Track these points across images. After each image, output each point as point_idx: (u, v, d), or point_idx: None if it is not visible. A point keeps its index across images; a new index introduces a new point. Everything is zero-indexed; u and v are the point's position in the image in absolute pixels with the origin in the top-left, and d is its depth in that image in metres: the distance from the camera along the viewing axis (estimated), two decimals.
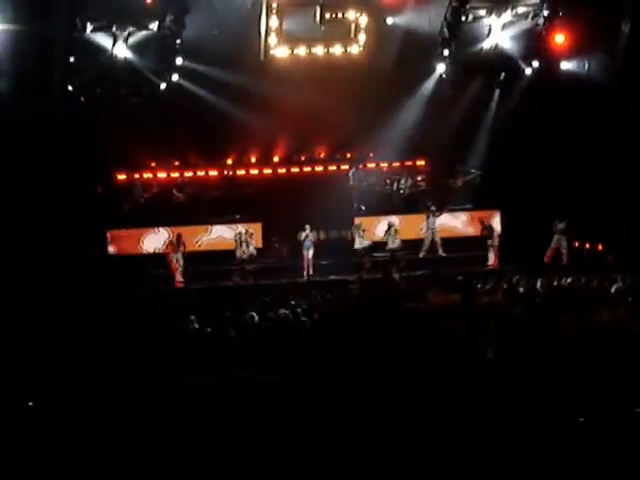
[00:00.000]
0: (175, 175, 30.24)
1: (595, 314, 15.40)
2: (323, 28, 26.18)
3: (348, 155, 31.09)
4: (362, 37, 26.79)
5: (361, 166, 31.00)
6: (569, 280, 19.70)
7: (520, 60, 28.22)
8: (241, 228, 27.34)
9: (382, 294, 19.70)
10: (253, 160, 30.68)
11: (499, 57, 27.75)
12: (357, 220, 28.25)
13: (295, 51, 26.68)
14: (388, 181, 31.18)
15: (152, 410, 9.80)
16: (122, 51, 24.81)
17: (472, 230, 29.96)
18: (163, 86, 26.21)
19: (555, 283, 19.44)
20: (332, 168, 31.07)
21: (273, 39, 26.24)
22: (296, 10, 25.98)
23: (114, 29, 24.53)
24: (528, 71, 28.53)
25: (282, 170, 30.73)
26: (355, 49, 27.00)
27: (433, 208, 28.56)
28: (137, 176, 29.77)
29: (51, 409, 10.44)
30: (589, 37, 26.81)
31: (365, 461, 8.48)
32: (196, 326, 16.67)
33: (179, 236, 26.68)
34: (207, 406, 9.71)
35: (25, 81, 23.36)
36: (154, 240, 28.27)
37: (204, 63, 26.28)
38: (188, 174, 30.30)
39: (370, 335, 13.35)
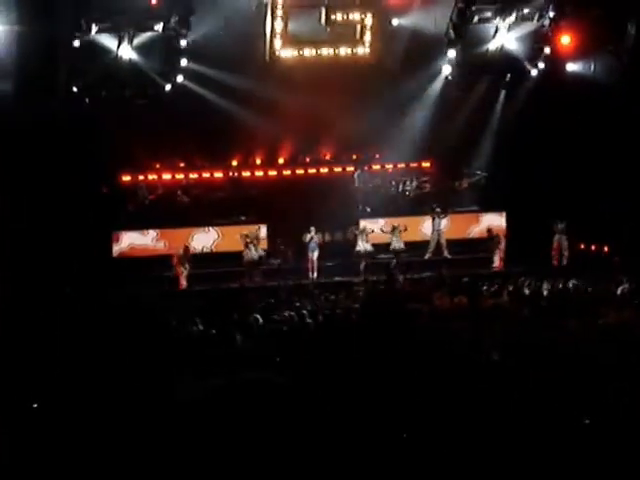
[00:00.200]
0: (180, 176, 30.17)
1: (601, 316, 15.39)
2: (328, 29, 26.13)
3: (353, 157, 31.02)
4: (367, 38, 26.72)
5: (366, 168, 30.90)
6: (575, 282, 19.65)
7: (526, 61, 28.16)
8: (246, 231, 27.17)
9: (387, 296, 19.68)
10: (258, 162, 30.62)
11: (505, 58, 27.70)
12: (362, 223, 28.11)
13: (300, 53, 26.61)
14: (393, 183, 31.08)
15: (155, 412, 9.78)
16: (127, 52, 24.78)
17: (465, 232, 29.87)
18: (168, 87, 26.18)
19: (561, 285, 19.40)
20: (337, 170, 31.01)
21: (278, 41, 26.19)
22: (301, 11, 25.96)
23: (119, 30, 24.52)
24: (534, 72, 28.45)
25: (287, 172, 30.67)
26: (360, 50, 26.92)
27: (438, 210, 28.50)
28: (142, 177, 29.68)
29: (54, 411, 10.43)
30: (595, 38, 26.77)
31: (371, 462, 8.47)
32: (200, 328, 16.67)
33: (186, 248, 26.62)
34: (210, 408, 9.69)
35: (30, 82, 23.38)
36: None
37: (209, 65, 26.23)
38: (193, 176, 30.23)
39: (375, 337, 13.33)
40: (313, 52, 26.77)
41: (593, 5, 26.30)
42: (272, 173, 30.61)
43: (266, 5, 25.52)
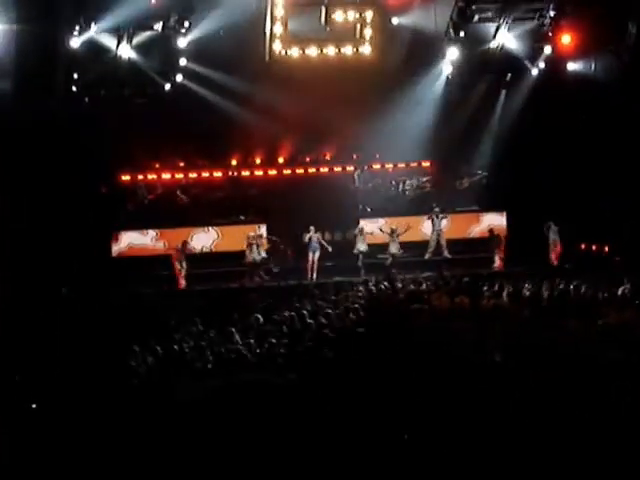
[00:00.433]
0: (179, 176, 30.18)
1: (601, 316, 15.35)
2: (328, 29, 26.15)
3: (354, 156, 31.00)
4: (367, 37, 26.78)
5: (366, 167, 30.90)
6: (575, 283, 19.60)
7: (526, 61, 28.24)
8: (252, 232, 27.10)
9: (387, 297, 19.65)
10: (258, 161, 30.64)
11: (505, 58, 27.75)
12: (361, 223, 28.05)
13: (300, 52, 26.64)
14: (393, 182, 31.09)
15: (155, 413, 9.76)
16: (126, 51, 24.84)
17: (465, 232, 29.84)
18: (167, 87, 26.19)
19: (562, 286, 19.35)
20: (337, 169, 31.01)
21: (278, 40, 26.22)
22: (301, 11, 25.98)
23: (118, 29, 24.51)
24: (534, 72, 28.51)
25: (287, 171, 30.67)
26: (360, 49, 26.96)
27: (437, 210, 28.49)
28: (141, 177, 29.70)
29: (53, 411, 10.42)
30: (595, 38, 26.76)
31: (371, 463, 8.44)
32: (200, 328, 16.66)
33: (184, 243, 26.57)
34: (210, 409, 9.67)
35: (29, 81, 23.35)
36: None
37: (209, 64, 26.28)
38: (192, 175, 30.24)
39: (375, 337, 13.30)
40: (313, 51, 26.83)
41: (593, 4, 26.24)
42: (272, 173, 30.62)
43: (266, 4, 25.51)
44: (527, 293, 19.21)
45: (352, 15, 26.30)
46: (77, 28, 24.07)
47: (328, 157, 31.11)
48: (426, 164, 31.58)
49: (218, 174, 30.47)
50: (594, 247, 28.07)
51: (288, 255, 28.12)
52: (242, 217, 28.90)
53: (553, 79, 28.13)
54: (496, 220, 29.44)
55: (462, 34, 26.76)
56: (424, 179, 31.22)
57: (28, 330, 16.47)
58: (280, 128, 28.38)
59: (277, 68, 26.70)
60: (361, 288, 22.43)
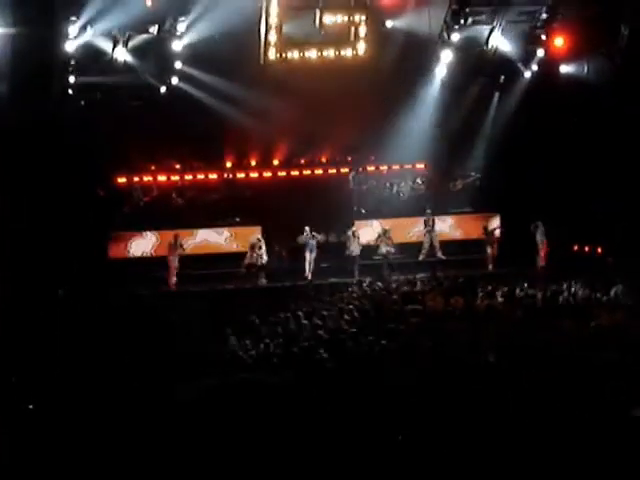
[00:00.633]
0: (175, 178, 30.22)
1: (594, 318, 15.46)
2: (323, 32, 26.17)
3: (348, 158, 31.11)
4: (362, 41, 26.73)
5: (361, 169, 31.01)
6: (568, 284, 19.72)
7: (519, 63, 28.35)
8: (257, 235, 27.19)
9: (381, 298, 19.74)
10: (253, 163, 30.68)
11: (499, 60, 27.86)
12: (356, 225, 28.11)
13: (295, 55, 26.63)
14: (388, 184, 31.19)
15: (152, 413, 9.84)
16: (122, 55, 24.83)
17: (459, 233, 29.90)
18: (163, 90, 26.27)
19: (555, 287, 19.47)
20: (332, 171, 31.06)
21: (273, 43, 26.20)
22: (296, 14, 25.94)
23: (114, 32, 24.58)
24: (527, 74, 28.63)
25: (282, 173, 30.72)
26: (355, 53, 26.93)
27: (429, 211, 28.63)
28: (137, 179, 29.73)
29: (51, 412, 10.47)
30: (588, 40, 26.82)
31: (366, 463, 8.52)
32: (198, 328, 16.72)
33: (176, 237, 26.63)
34: (206, 408, 9.76)
35: (25, 84, 23.37)
36: (142, 244, 28.17)
37: (204, 67, 26.29)
38: (188, 177, 30.27)
39: (370, 338, 13.40)
40: (308, 54, 26.80)
41: (586, 7, 26.33)
42: (267, 175, 30.67)
43: (261, 8, 25.55)
44: (520, 294, 19.32)
45: (346, 18, 26.33)
46: (73, 31, 24.09)
47: (323, 159, 31.20)
48: (420, 166, 31.65)
49: (213, 176, 30.51)
50: (587, 248, 28.19)
51: (283, 256, 28.22)
52: (237, 219, 28.95)
53: (546, 81, 28.23)
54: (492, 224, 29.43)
55: (456, 37, 26.83)
56: (418, 181, 31.32)
57: (25, 331, 16.50)
58: (275, 130, 28.42)
59: (272, 71, 26.68)
60: (355, 289, 22.56)
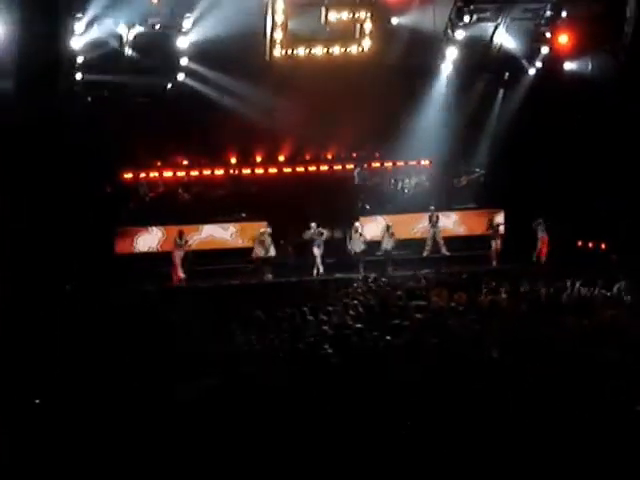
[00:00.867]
0: (181, 174, 30.32)
1: (597, 314, 15.49)
2: (328, 29, 26.25)
3: (353, 155, 31.21)
4: (367, 37, 26.81)
5: (366, 166, 31.10)
6: (572, 280, 19.74)
7: (524, 60, 28.44)
8: (264, 228, 27.28)
9: (386, 294, 19.77)
10: (259, 159, 30.77)
11: (503, 57, 27.96)
12: (357, 223, 28.12)
13: (300, 52, 26.71)
14: (393, 181, 31.28)
15: (155, 410, 9.88)
16: (128, 51, 24.92)
17: (463, 229, 29.99)
18: (169, 86, 26.36)
19: (558, 283, 19.50)
20: (337, 167, 31.17)
21: (278, 39, 26.27)
22: (301, 11, 26.02)
23: (120, 29, 24.67)
24: (532, 71, 28.71)
25: (287, 169, 30.81)
26: (360, 49, 27.01)
27: (432, 208, 28.72)
28: (143, 175, 29.82)
29: (56, 407, 10.52)
30: (592, 37, 26.87)
31: (369, 460, 8.58)
32: (203, 324, 16.76)
33: (181, 233, 26.71)
34: (211, 404, 9.81)
35: (31, 81, 23.44)
36: (149, 240, 28.30)
37: (210, 63, 26.36)
38: (194, 173, 30.37)
39: (375, 333, 13.46)
40: (313, 51, 26.87)
41: (590, 5, 26.37)
42: (272, 171, 30.76)
43: (267, 4, 25.62)
44: (524, 290, 19.35)
45: (352, 15, 26.40)
46: (79, 28, 24.18)
47: (328, 156, 31.29)
48: (425, 162, 31.75)
49: (219, 172, 30.59)
50: (590, 245, 28.22)
51: (288, 252, 28.30)
52: (243, 215, 29.02)
53: (550, 78, 28.30)
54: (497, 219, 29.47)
55: (460, 34, 26.92)
56: (423, 177, 31.40)
57: (32, 326, 16.56)
58: (280, 127, 28.50)
59: (277, 68, 26.76)
60: (360, 285, 22.60)
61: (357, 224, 27.75)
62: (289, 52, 26.66)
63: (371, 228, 28.43)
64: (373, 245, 27.83)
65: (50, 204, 24.16)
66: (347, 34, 26.84)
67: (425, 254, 28.42)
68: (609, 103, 26.39)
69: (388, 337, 13.00)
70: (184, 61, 26.14)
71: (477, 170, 31.07)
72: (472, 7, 26.23)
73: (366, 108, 27.35)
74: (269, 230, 26.96)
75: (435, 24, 26.72)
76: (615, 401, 9.54)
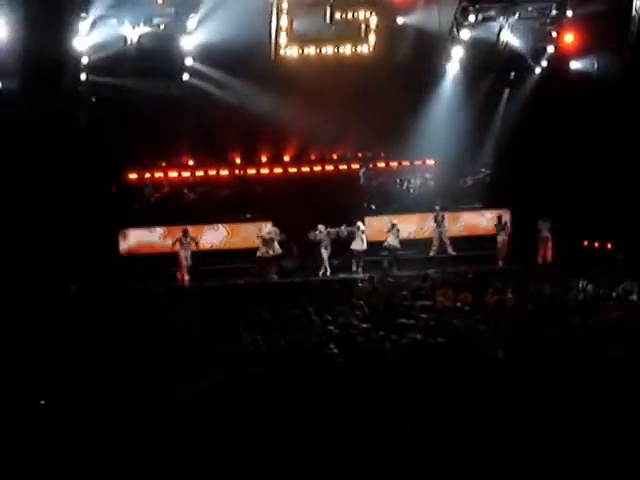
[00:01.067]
0: (186, 174, 30.34)
1: (603, 314, 15.47)
2: (333, 28, 26.26)
3: (359, 154, 31.20)
4: (372, 37, 26.86)
5: (371, 165, 31.09)
6: (578, 280, 19.72)
7: (529, 59, 28.40)
8: (270, 227, 27.25)
9: (392, 293, 19.75)
10: (264, 159, 30.77)
11: (509, 57, 27.92)
12: (359, 223, 28.01)
13: (305, 51, 26.76)
14: (398, 180, 31.27)
15: (157, 410, 9.87)
16: (133, 51, 24.93)
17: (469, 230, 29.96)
18: (174, 86, 26.36)
19: (563, 283, 19.48)
20: (343, 167, 31.16)
21: (283, 39, 26.31)
22: (306, 10, 26.05)
23: (125, 29, 24.67)
24: (537, 70, 28.68)
25: (293, 169, 30.81)
26: (365, 49, 27.05)
27: (437, 208, 28.69)
28: (148, 175, 29.85)
29: (59, 408, 10.51)
30: (598, 36, 26.84)
31: (374, 459, 8.56)
32: (208, 324, 16.76)
33: (185, 231, 26.68)
34: (215, 404, 9.80)
35: (36, 81, 23.46)
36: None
37: (215, 63, 26.42)
38: (199, 173, 30.39)
39: (380, 333, 13.45)
40: (318, 50, 26.92)
41: (596, 4, 26.32)
42: (278, 171, 30.76)
43: (272, 4, 25.62)
44: (530, 290, 19.33)
45: (357, 15, 26.39)
46: (84, 28, 24.19)
47: (334, 156, 31.28)
48: (430, 162, 31.72)
49: (224, 172, 30.63)
50: (596, 244, 28.18)
51: (294, 252, 28.29)
52: (248, 215, 29.02)
53: (556, 78, 28.27)
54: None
55: (466, 34, 26.91)
56: (428, 177, 31.37)
57: (37, 327, 16.55)
58: (286, 127, 28.49)
59: (282, 67, 26.81)
60: (366, 285, 22.59)
61: (359, 223, 27.69)
62: (294, 52, 26.69)
63: (377, 228, 28.39)
64: (376, 245, 27.79)
65: (55, 204, 24.23)
66: (352, 34, 26.88)
67: (431, 254, 28.40)
68: (615, 102, 26.37)
69: (394, 337, 12.98)
70: (189, 61, 26.16)
71: (483, 170, 31.02)
72: (477, 6, 26.22)
73: (371, 108, 27.35)
74: (277, 230, 26.98)
75: (440, 24, 26.73)
76: (620, 401, 9.51)
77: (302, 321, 15.95)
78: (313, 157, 31.13)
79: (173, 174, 30.15)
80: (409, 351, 12.17)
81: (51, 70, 23.81)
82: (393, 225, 27.69)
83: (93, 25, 24.16)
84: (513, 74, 29.58)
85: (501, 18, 26.64)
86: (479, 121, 29.69)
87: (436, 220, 28.54)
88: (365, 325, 14.28)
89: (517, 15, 26.51)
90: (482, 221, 29.76)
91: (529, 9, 26.63)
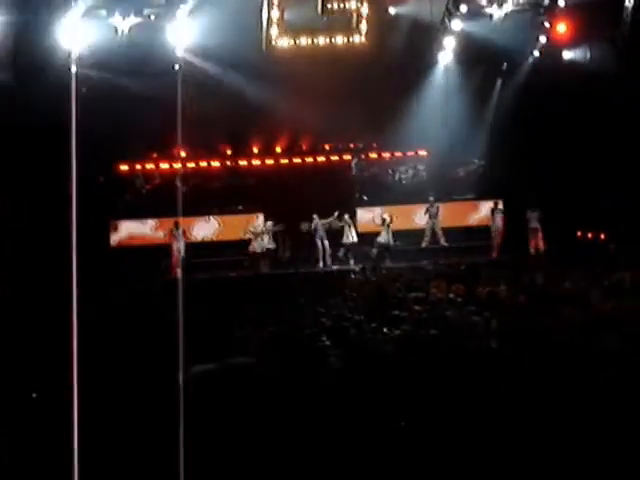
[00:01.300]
0: (177, 166, 30.24)
1: (596, 304, 15.45)
2: (325, 19, 26.20)
3: (350, 145, 31.13)
4: (364, 27, 26.79)
5: (363, 156, 31.04)
6: (570, 270, 19.71)
7: (522, 50, 28.31)
8: (261, 221, 27.18)
9: (385, 285, 19.73)
10: (255, 151, 30.71)
11: (501, 47, 27.80)
12: (346, 216, 27.98)
13: (297, 42, 26.70)
14: (390, 171, 31.22)
15: (153, 402, 9.82)
16: (123, 40, 24.82)
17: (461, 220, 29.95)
18: (165, 76, 26.21)
19: (556, 273, 19.46)
20: (334, 158, 31.11)
21: (275, 30, 26.25)
22: (298, 1, 25.99)
23: (115, 18, 24.56)
24: (530, 60, 28.62)
25: (284, 160, 30.75)
26: (357, 39, 26.99)
27: (431, 199, 28.62)
28: (139, 167, 29.77)
29: (54, 401, 10.46)
30: (591, 26, 26.82)
31: (367, 451, 8.53)
32: (203, 317, 16.70)
33: (176, 223, 26.56)
34: (207, 395, 9.74)
35: (26, 73, 23.37)
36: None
37: (207, 54, 26.29)
38: (190, 165, 30.30)
39: (373, 325, 13.41)
40: (310, 41, 26.85)
41: None
42: (269, 162, 30.70)
43: None
44: (523, 281, 19.31)
45: (348, 5, 26.32)
46: (73, 19, 24.06)
47: (325, 146, 31.22)
48: (423, 153, 31.64)
49: (216, 164, 30.57)
50: (589, 235, 28.17)
51: (286, 244, 28.24)
52: (240, 207, 28.96)
53: (548, 67, 28.23)
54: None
55: (457, 24, 26.85)
56: (421, 168, 31.32)
57: (31, 322, 16.49)
58: (277, 118, 28.42)
59: (274, 58, 26.75)
60: (359, 276, 22.56)
61: (346, 216, 27.57)
62: (286, 43, 26.61)
63: (368, 219, 28.34)
64: (366, 238, 27.71)
65: (45, 196, 24.12)
66: (344, 24, 26.80)
67: (424, 245, 28.37)
68: (608, 92, 26.29)
69: (386, 329, 12.94)
70: (180, 52, 26.02)
71: (475, 161, 30.99)
72: None
73: (363, 98, 27.34)
74: (270, 224, 26.94)
75: (432, 14, 26.65)
76: (614, 392, 9.48)
77: (294, 312, 15.93)
78: (305, 148, 31.07)
79: (164, 166, 30.04)
80: (402, 343, 12.13)
81: (41, 62, 23.74)
82: (384, 220, 27.53)
83: (83, 16, 23.99)
84: (505, 64, 29.51)
85: (493, 8, 26.51)
86: (472, 111, 29.61)
87: (429, 211, 28.44)
88: (358, 317, 14.26)
89: (509, 5, 26.40)
90: (474, 212, 29.65)
91: None
